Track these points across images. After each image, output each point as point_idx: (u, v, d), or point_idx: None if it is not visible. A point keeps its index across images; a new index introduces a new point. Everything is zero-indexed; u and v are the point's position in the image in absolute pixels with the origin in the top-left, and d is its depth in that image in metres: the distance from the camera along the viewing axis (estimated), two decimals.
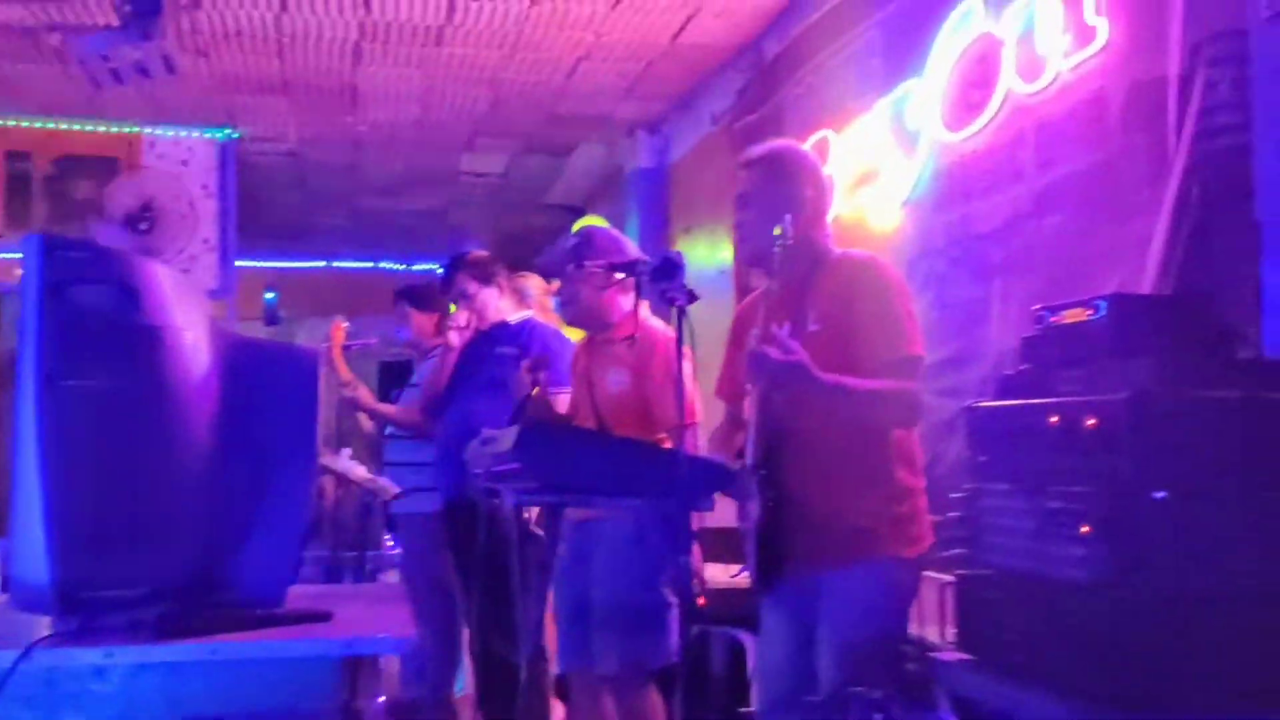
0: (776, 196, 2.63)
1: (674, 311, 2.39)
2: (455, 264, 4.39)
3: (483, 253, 4.49)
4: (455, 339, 4.29)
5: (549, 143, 8.12)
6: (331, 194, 9.72)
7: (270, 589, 2.12)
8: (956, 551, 2.41)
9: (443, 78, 6.59)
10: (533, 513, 3.83)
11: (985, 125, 3.78)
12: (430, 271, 5.39)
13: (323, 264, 12.52)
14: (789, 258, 2.55)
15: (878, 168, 4.50)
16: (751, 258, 2.74)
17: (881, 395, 2.46)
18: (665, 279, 2.38)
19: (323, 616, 2.12)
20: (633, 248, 3.39)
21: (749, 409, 2.58)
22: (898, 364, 2.49)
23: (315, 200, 9.94)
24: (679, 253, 2.46)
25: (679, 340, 2.39)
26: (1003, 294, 3.68)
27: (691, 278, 2.44)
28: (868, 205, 4.57)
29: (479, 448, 2.83)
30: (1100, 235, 3.20)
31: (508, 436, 2.48)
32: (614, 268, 2.91)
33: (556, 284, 6.06)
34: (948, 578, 2.55)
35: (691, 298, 2.42)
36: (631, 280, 3.58)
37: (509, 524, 3.63)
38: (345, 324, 5.15)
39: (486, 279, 4.37)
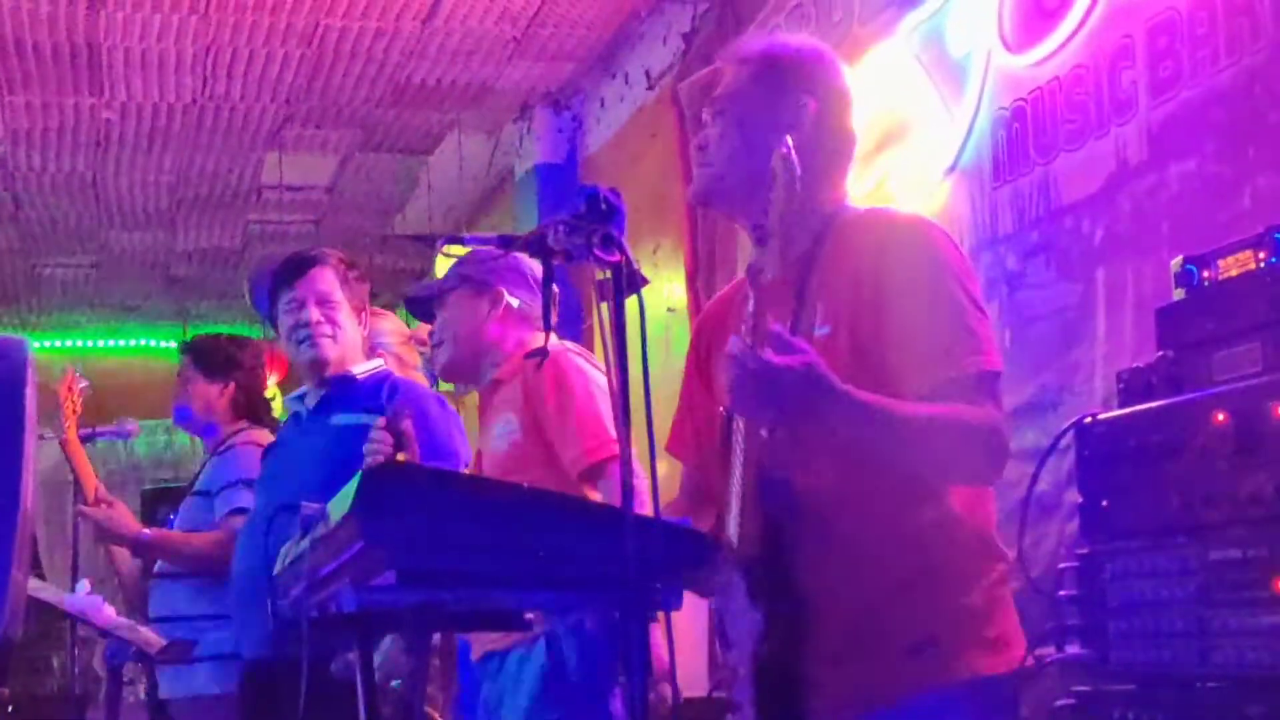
0: (773, 108, 2.61)
1: (603, 280, 2.27)
2: (303, 260, 4.05)
3: None
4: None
5: (398, 134, 8.14)
6: (64, 227, 9.61)
7: None
8: (1070, 653, 2.38)
9: (232, 28, 6.53)
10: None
11: (1070, 38, 3.80)
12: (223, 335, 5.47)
13: (52, 343, 12.33)
14: (785, 220, 2.46)
15: (906, 121, 4.53)
16: (721, 200, 2.70)
17: (950, 424, 2.39)
18: (596, 220, 2.26)
19: None
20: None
21: (731, 462, 2.49)
22: (961, 385, 2.42)
23: (38, 239, 9.83)
24: (614, 189, 2.37)
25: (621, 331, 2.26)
26: (1110, 293, 3.68)
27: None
28: (893, 178, 4.58)
29: (294, 548, 2.75)
30: (1255, 184, 3.18)
31: (340, 500, 2.36)
32: (506, 244, 2.82)
33: (423, 328, 6.01)
34: (1061, 700, 2.47)
35: (635, 279, 2.29)
36: (530, 306, 3.55)
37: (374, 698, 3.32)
38: (83, 382, 5.04)
39: (358, 292, 4.09)
